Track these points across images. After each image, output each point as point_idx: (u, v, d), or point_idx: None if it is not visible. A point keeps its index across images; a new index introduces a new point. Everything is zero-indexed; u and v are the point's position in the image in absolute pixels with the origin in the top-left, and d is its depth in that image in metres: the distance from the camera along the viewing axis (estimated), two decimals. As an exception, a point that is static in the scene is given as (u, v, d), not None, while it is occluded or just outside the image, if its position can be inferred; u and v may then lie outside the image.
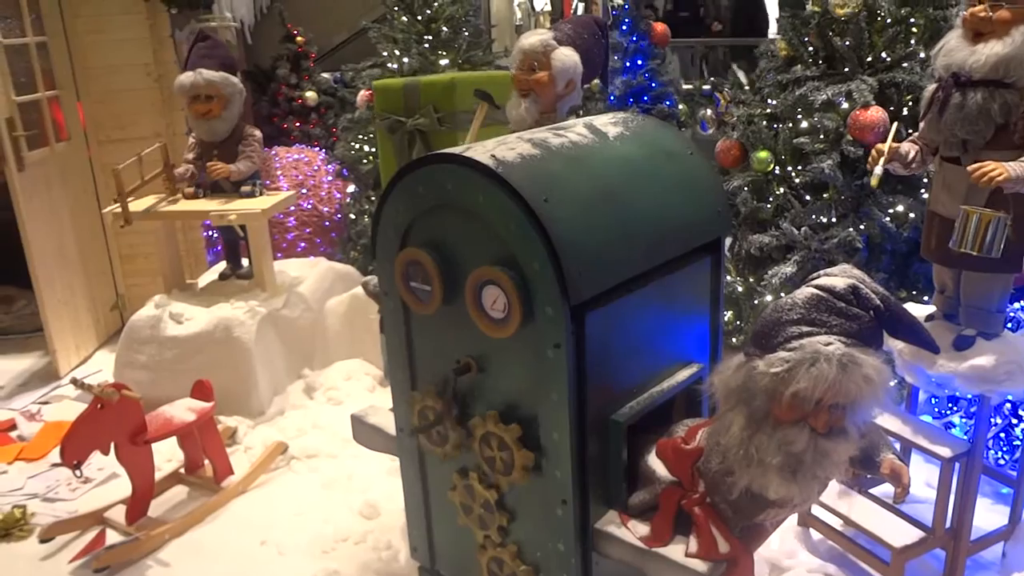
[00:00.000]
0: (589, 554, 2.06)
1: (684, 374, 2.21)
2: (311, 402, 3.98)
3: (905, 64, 3.32)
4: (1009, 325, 2.84)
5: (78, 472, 2.93)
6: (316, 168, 5.37)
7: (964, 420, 3.18)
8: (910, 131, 2.76)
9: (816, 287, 1.81)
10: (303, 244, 5.24)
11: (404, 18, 4.66)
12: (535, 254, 1.83)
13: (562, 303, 1.82)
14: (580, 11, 21.60)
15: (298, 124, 6.26)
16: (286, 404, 3.95)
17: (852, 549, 2.78)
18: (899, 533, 2.61)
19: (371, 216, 4.86)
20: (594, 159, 2.07)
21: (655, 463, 2.07)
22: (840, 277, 1.81)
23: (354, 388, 4.00)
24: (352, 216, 5.01)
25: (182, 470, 3.42)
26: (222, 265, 4.39)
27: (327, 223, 5.30)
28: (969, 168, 2.19)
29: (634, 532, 2.01)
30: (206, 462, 3.40)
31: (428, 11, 4.61)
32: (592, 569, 2.06)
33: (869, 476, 2.00)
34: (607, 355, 1.95)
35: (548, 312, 1.85)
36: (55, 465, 3.57)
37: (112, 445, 2.97)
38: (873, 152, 2.48)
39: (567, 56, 2.92)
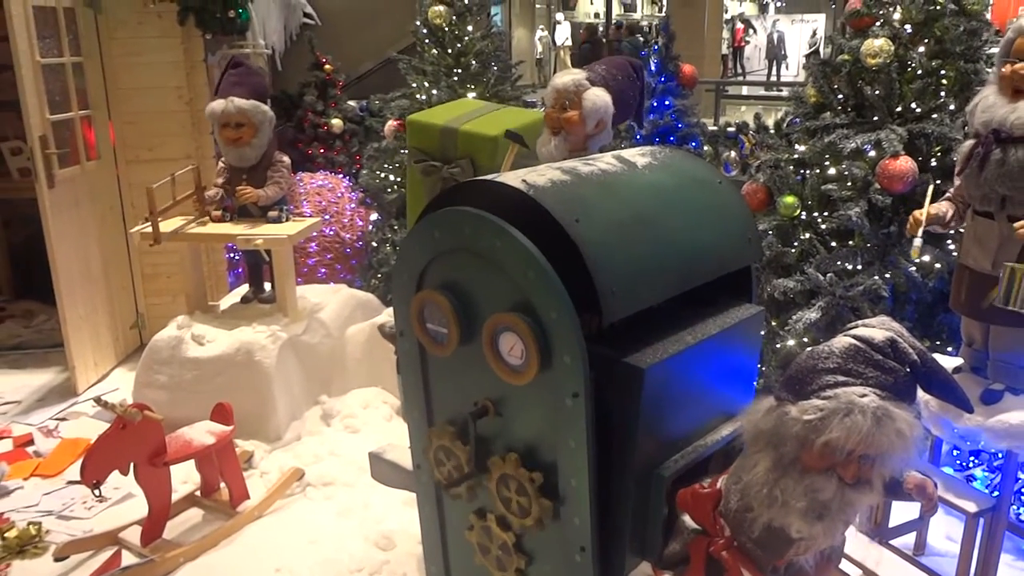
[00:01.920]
0: (611, 602, 2.03)
1: (727, 428, 2.18)
2: (328, 429, 3.97)
3: (935, 115, 3.34)
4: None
5: (97, 491, 2.93)
6: (340, 195, 5.41)
7: (986, 474, 3.15)
8: (937, 182, 2.77)
9: (854, 337, 1.81)
10: (324, 270, 5.27)
11: (435, 51, 4.72)
12: (553, 301, 1.80)
13: (582, 352, 1.79)
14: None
15: (323, 151, 6.32)
16: (303, 430, 3.95)
17: (873, 602, 2.75)
18: (922, 588, 2.59)
19: (393, 245, 4.90)
20: (624, 186, 2.07)
21: (685, 515, 2.06)
22: (879, 329, 1.81)
23: (371, 417, 4.00)
24: (374, 244, 5.04)
25: (198, 492, 3.42)
26: (244, 288, 4.41)
27: (348, 250, 5.33)
28: (1015, 225, 2.19)
29: (667, 586, 1.98)
30: (222, 485, 3.40)
31: (459, 45, 4.67)
32: (614, 616, 2.04)
33: (899, 525, 1.98)
34: (660, 410, 1.93)
35: (566, 361, 1.82)
36: (71, 483, 3.57)
37: (131, 465, 2.98)
38: (911, 220, 2.48)
39: (598, 96, 2.96)
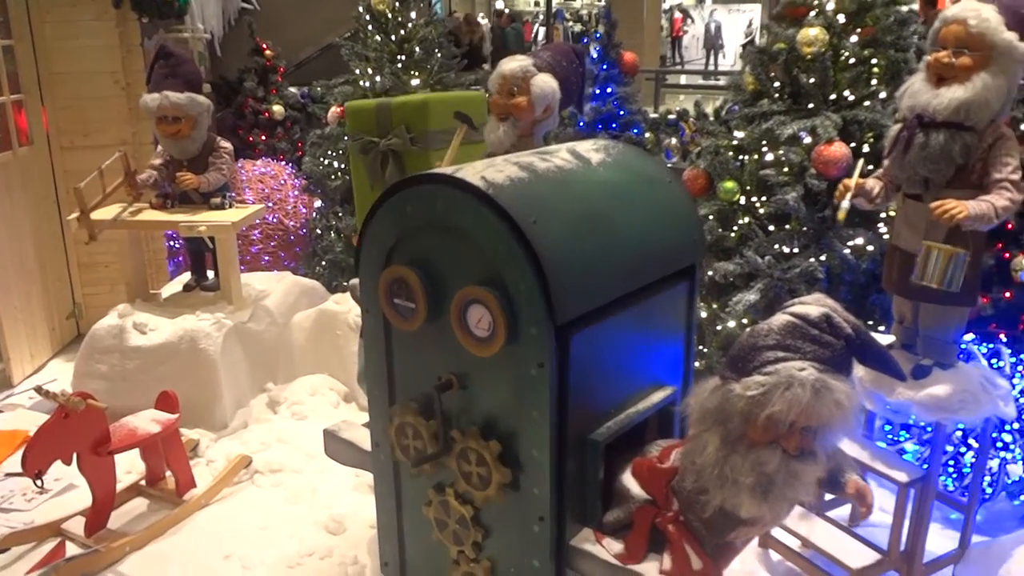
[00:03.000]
0: (563, 571, 2.09)
1: (658, 396, 2.26)
2: (275, 416, 3.96)
3: (867, 103, 3.46)
4: (960, 356, 2.95)
5: (39, 482, 2.88)
6: (283, 182, 5.36)
7: (916, 447, 3.29)
8: (871, 167, 2.88)
9: (791, 314, 1.88)
10: (267, 257, 5.22)
11: (378, 37, 4.69)
12: (522, 275, 1.87)
13: (547, 323, 1.86)
14: (541, 36, 21.81)
15: (264, 137, 6.24)
16: (249, 418, 3.93)
17: (810, 570, 2.86)
18: (856, 555, 2.70)
19: (338, 232, 4.88)
20: (579, 183, 2.13)
21: (629, 482, 2.11)
22: (814, 306, 1.89)
23: (319, 403, 3.99)
24: (318, 231, 5.00)
25: (143, 482, 3.38)
26: (185, 276, 4.35)
27: (292, 237, 5.29)
28: (932, 205, 2.30)
29: (608, 550, 2.05)
30: (167, 474, 3.36)
31: (402, 31, 4.66)
32: (566, 586, 2.10)
33: (834, 497, 2.07)
34: (588, 376, 2.00)
35: (532, 332, 1.89)
36: (9, 475, 3.49)
37: (74, 455, 2.93)
38: (840, 187, 2.58)
39: (545, 82, 3.00)
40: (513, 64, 3.00)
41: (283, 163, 5.67)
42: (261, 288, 4.29)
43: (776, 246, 3.55)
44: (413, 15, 4.67)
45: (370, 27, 4.73)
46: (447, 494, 2.21)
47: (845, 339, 1.86)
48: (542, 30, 21.86)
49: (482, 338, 1.97)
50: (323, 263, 5.01)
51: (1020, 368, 3.21)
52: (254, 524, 3.18)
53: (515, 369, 1.95)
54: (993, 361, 3.08)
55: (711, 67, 21.51)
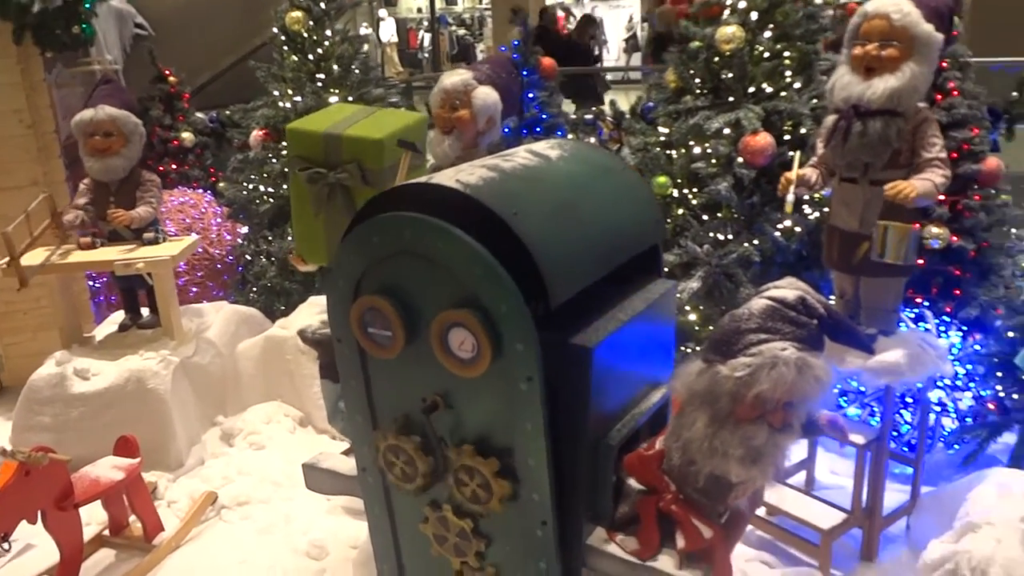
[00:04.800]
0: (575, 569, 2.16)
1: (657, 395, 2.35)
2: (232, 449, 3.89)
3: (783, 93, 3.66)
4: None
5: (6, 545, 2.77)
6: (203, 211, 5.25)
7: (859, 411, 3.52)
8: (799, 152, 3.06)
9: (769, 298, 2.02)
10: (195, 289, 5.10)
11: (294, 57, 4.66)
12: (503, 295, 1.88)
13: (533, 338, 1.90)
14: (427, 42, 21.64)
15: (175, 166, 6.08)
16: (205, 454, 3.85)
17: (780, 535, 3.03)
18: (824, 516, 2.88)
19: (269, 256, 4.81)
20: (545, 178, 2.20)
21: (630, 479, 2.21)
22: (789, 289, 2.03)
23: (275, 431, 3.95)
24: (248, 257, 4.92)
25: (106, 532, 3.28)
26: (115, 316, 4.23)
27: (219, 266, 5.18)
28: (886, 188, 2.47)
29: (623, 547, 2.12)
30: (131, 521, 3.28)
31: (319, 50, 4.64)
32: (577, 584, 2.17)
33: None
34: (605, 384, 2.07)
35: (519, 348, 1.91)
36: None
37: (38, 512, 2.83)
38: (783, 180, 2.75)
39: (487, 95, 3.07)
40: (454, 78, 3.06)
41: (200, 191, 5.55)
42: (200, 321, 4.21)
43: (711, 234, 3.72)
44: (328, 33, 4.65)
45: (285, 47, 4.69)
46: (444, 510, 2.23)
47: (818, 319, 2.01)
48: (427, 36, 21.88)
49: (467, 360, 1.97)
50: (255, 289, 4.93)
51: (942, 329, 3.48)
52: (231, 560, 3.13)
53: (503, 385, 1.97)
54: (920, 325, 3.33)
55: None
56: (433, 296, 2.01)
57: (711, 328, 3.69)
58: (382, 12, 22.14)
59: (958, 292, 3.54)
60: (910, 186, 2.42)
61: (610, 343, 2.04)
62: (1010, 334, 3.20)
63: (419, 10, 25.14)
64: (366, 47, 4.93)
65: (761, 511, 3.08)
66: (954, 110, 3.47)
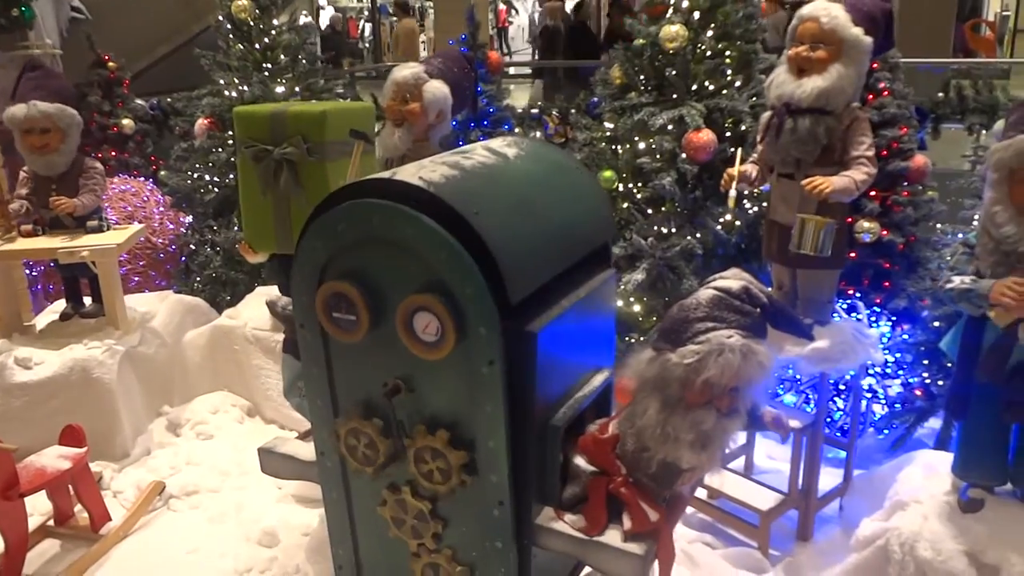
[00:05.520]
0: (526, 548, 2.23)
1: (599, 379, 2.43)
2: (179, 439, 3.87)
3: (724, 91, 3.79)
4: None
5: (-50, 535, 2.73)
6: (145, 199, 5.17)
7: (793, 397, 3.67)
8: (731, 150, 3.18)
9: (715, 289, 2.12)
10: (137, 278, 5.03)
11: (240, 46, 4.62)
12: (468, 280, 1.94)
13: (496, 322, 1.97)
14: (368, 32, 21.33)
15: (114, 153, 5.96)
16: (151, 444, 3.82)
17: (721, 517, 3.16)
18: (763, 499, 3.01)
19: (214, 246, 4.77)
20: (504, 176, 2.25)
21: (579, 460, 2.29)
22: (734, 280, 2.13)
23: (223, 420, 3.94)
24: (192, 247, 4.88)
25: (50, 522, 3.24)
26: (59, 305, 4.16)
27: (161, 255, 5.11)
28: (803, 183, 2.61)
29: (571, 525, 2.21)
30: (76, 511, 3.25)
31: (266, 39, 4.61)
32: (530, 562, 2.24)
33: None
34: (550, 368, 2.13)
35: (482, 332, 1.98)
36: None
37: (-17, 503, 2.79)
38: (725, 176, 2.86)
39: (438, 88, 3.12)
40: (406, 71, 3.10)
41: (143, 179, 5.46)
42: (144, 310, 4.16)
43: (655, 227, 3.83)
44: (276, 22, 4.63)
45: (231, 36, 4.64)
46: (403, 492, 2.28)
47: (761, 307, 2.11)
48: (367, 26, 21.72)
49: (430, 343, 2.03)
50: (199, 279, 4.89)
51: (873, 319, 3.65)
52: (180, 549, 3.13)
53: (466, 368, 2.03)
54: (853, 315, 3.49)
55: (537, 57, 22.00)
56: (399, 281, 2.06)
57: (655, 318, 3.81)
58: (322, 1, 21.90)
59: (887, 284, 3.71)
60: (826, 182, 2.56)
61: (553, 327, 2.11)
62: (936, 324, 3.38)
63: (359, 0, 24.93)
64: (315, 37, 4.90)
65: (703, 494, 3.21)
66: (884, 109, 3.63)
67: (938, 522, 2.37)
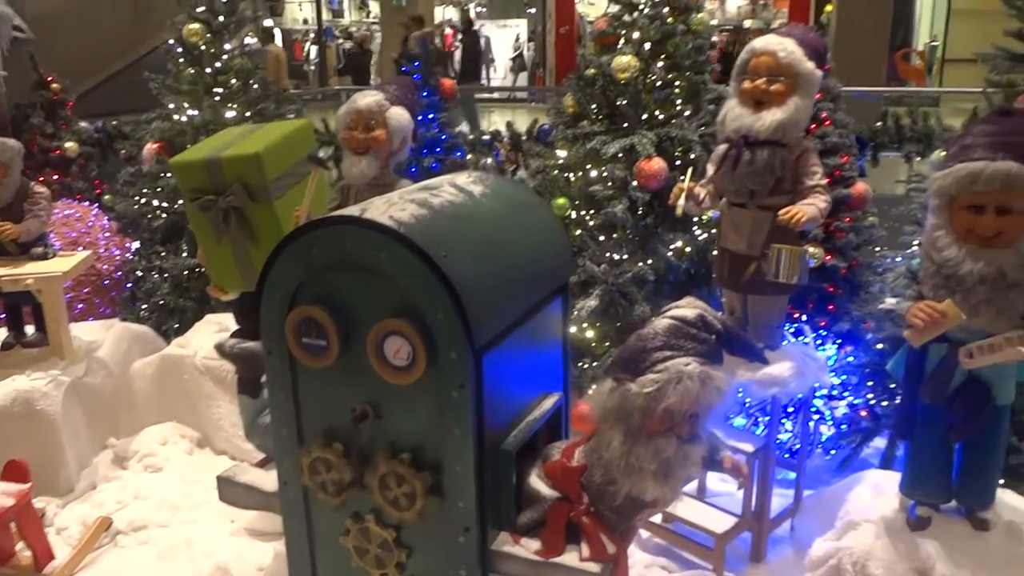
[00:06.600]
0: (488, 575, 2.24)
1: (549, 403, 2.46)
2: (126, 472, 3.78)
3: (674, 120, 3.88)
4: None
5: None
6: (90, 224, 5.06)
7: (744, 421, 3.74)
8: (682, 177, 3.24)
9: (671, 317, 2.16)
10: (81, 305, 4.91)
11: (191, 70, 4.58)
12: (439, 305, 1.97)
13: (466, 347, 2.00)
14: (313, 55, 21.19)
15: (56, 177, 5.82)
16: (97, 477, 3.73)
17: (676, 541, 3.20)
18: (717, 521, 3.06)
19: (162, 272, 4.69)
20: (470, 215, 2.28)
21: (537, 484, 2.31)
22: (689, 308, 2.18)
23: (171, 452, 3.86)
24: (139, 273, 4.78)
25: (-9, 562, 3.14)
26: (1, 333, 4.04)
27: (106, 282, 5.01)
28: (779, 213, 2.67)
29: (528, 548, 2.22)
30: (18, 549, 3.15)
31: (217, 64, 4.58)
32: (494, 589, 2.25)
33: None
34: (499, 392, 2.15)
35: (452, 356, 2.00)
36: None
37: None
38: (676, 189, 2.93)
39: (401, 115, 3.13)
40: (368, 99, 3.10)
41: (88, 204, 5.34)
42: (90, 339, 4.07)
43: (608, 254, 3.89)
44: (227, 46, 4.60)
45: (181, 59, 4.60)
46: (367, 521, 2.28)
47: (716, 334, 2.17)
48: (313, 48, 21.62)
49: (401, 367, 2.05)
50: (145, 307, 4.79)
51: (818, 342, 3.75)
52: (131, 586, 3.06)
53: (435, 392, 2.05)
54: (800, 338, 3.59)
55: (484, 81, 22.19)
56: (371, 306, 2.07)
57: (608, 344, 3.86)
58: (267, 22, 21.73)
59: (831, 307, 3.82)
60: (801, 211, 2.63)
61: (501, 352, 2.13)
62: (880, 346, 3.49)
63: (305, 21, 24.82)
64: (265, 61, 4.88)
65: (658, 518, 3.24)
66: (827, 138, 3.76)
67: (889, 540, 2.44)
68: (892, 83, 12.91)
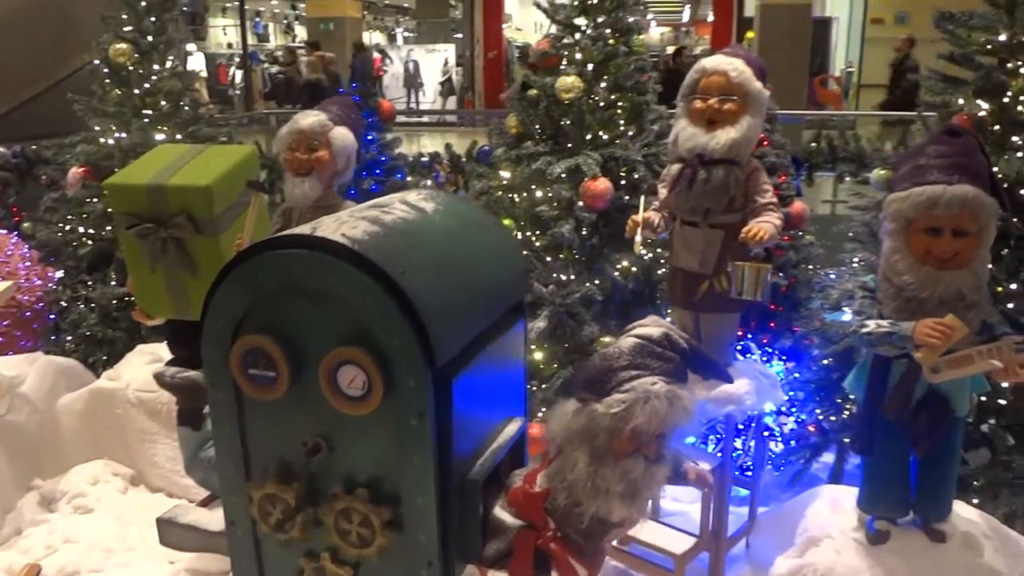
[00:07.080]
0: (450, 610, 2.16)
1: (512, 428, 2.40)
2: (54, 515, 3.55)
3: (618, 141, 3.89)
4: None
5: None
6: (9, 253, 4.80)
7: (695, 440, 3.74)
8: (643, 196, 3.25)
9: (637, 336, 2.14)
10: (0, 339, 4.64)
11: (118, 91, 4.41)
12: (396, 330, 1.89)
13: (425, 373, 1.93)
14: (239, 79, 21.02)
15: (-30, 204, 5.54)
16: (22, 522, 3.50)
17: (634, 563, 3.16)
18: (675, 542, 3.03)
19: (88, 302, 4.48)
20: (424, 232, 2.22)
21: (501, 514, 2.24)
22: (653, 327, 2.16)
23: (103, 492, 3.65)
24: (63, 303, 4.56)
25: (-94, 618, 2.90)
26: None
27: (28, 313, 4.75)
28: (744, 230, 2.67)
29: (496, 581, 2.16)
30: (-64, 603, 2.93)
31: (146, 85, 4.42)
32: (458, 627, 2.16)
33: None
34: (466, 419, 2.09)
35: (410, 383, 1.92)
36: None
37: None
38: (630, 223, 2.91)
39: (344, 135, 3.06)
40: (311, 119, 3.02)
41: (4, 231, 5.07)
42: (12, 374, 3.83)
43: (555, 275, 3.86)
44: (156, 67, 4.44)
45: (107, 80, 4.42)
46: (322, 559, 2.17)
47: (681, 353, 2.15)
48: (239, 73, 21.29)
49: (356, 397, 1.96)
50: (70, 339, 4.57)
51: (765, 359, 3.79)
52: (63, 637, 2.86)
53: (393, 422, 1.97)
54: (748, 356, 3.61)
55: (412, 105, 22.18)
56: (322, 334, 1.98)
57: (556, 366, 3.82)
58: (190, 46, 21.30)
59: (773, 324, 3.87)
60: (762, 229, 2.64)
61: (468, 378, 2.07)
62: (826, 361, 3.53)
63: (230, 45, 24.44)
64: (196, 84, 4.73)
65: (615, 540, 3.20)
66: (765, 158, 3.81)
67: (851, 555, 2.45)
68: (811, 107, 13.35)
